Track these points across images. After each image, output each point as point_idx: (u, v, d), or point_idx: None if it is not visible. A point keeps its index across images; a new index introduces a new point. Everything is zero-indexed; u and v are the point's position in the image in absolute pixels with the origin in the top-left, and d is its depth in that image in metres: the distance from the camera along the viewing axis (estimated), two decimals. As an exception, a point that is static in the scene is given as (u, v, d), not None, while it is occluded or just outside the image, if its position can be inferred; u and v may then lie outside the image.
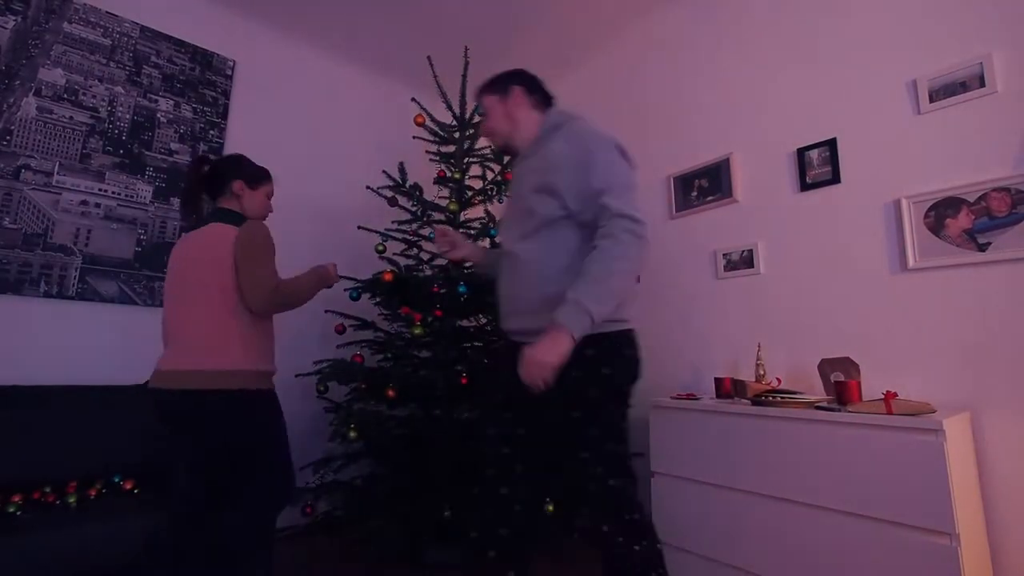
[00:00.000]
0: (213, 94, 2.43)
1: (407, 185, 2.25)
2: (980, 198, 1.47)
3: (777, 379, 1.80)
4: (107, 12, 2.17)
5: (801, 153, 1.89)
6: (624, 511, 1.12)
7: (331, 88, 2.90)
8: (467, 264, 2.25)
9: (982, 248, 1.45)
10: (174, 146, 2.29)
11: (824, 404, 1.44)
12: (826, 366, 1.62)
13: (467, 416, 1.96)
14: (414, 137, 2.42)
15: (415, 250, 2.35)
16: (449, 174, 2.27)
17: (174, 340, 1.32)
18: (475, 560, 2.00)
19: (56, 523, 1.35)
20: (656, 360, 2.31)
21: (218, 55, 2.46)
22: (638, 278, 1.21)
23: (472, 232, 2.32)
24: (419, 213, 2.27)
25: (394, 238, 2.31)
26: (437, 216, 2.33)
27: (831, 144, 1.81)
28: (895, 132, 1.67)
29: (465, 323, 2.25)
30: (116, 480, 1.68)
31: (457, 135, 2.36)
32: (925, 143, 1.60)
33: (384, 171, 2.37)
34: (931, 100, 1.59)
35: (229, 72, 2.49)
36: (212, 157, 1.47)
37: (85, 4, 2.12)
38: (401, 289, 2.05)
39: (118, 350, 2.06)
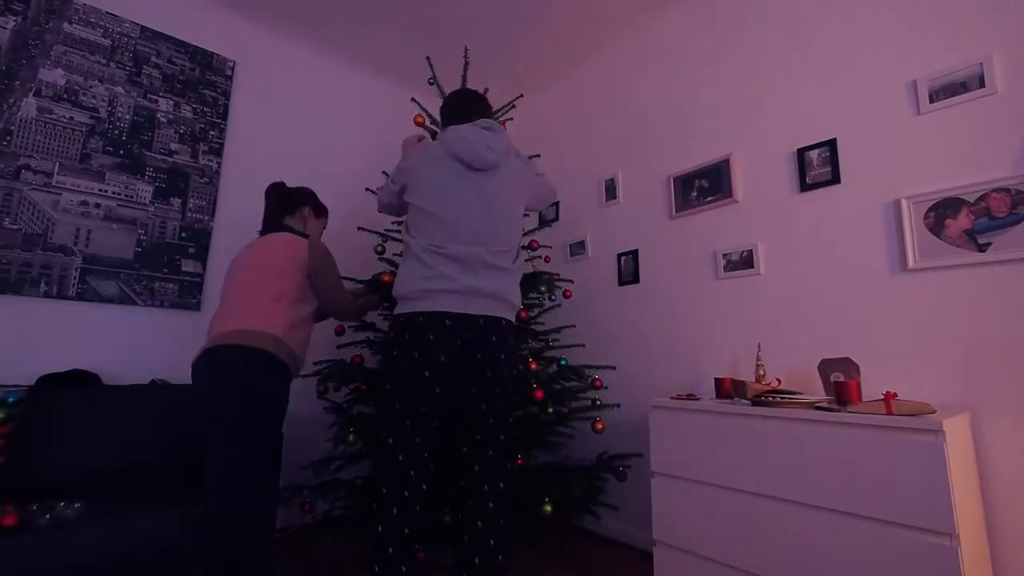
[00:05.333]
0: (213, 94, 2.43)
1: (407, 185, 2.25)
2: (980, 198, 1.47)
3: (777, 379, 1.80)
4: (107, 12, 2.17)
5: (801, 153, 1.89)
6: None
7: (331, 88, 2.91)
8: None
9: (982, 248, 1.45)
10: (174, 146, 2.29)
11: (824, 404, 1.45)
12: (826, 366, 1.62)
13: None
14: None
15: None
16: (449, 174, 2.27)
17: (229, 313, 1.44)
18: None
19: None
20: (656, 361, 2.31)
21: (218, 55, 2.47)
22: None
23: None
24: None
25: (394, 239, 2.31)
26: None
27: (831, 144, 1.81)
28: (895, 132, 1.67)
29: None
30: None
31: (457, 135, 2.36)
32: (925, 143, 1.60)
33: (384, 172, 2.37)
34: (931, 100, 1.59)
35: (229, 72, 2.49)
36: (286, 185, 1.75)
37: (85, 4, 2.12)
38: (401, 289, 2.05)
39: (118, 350, 2.06)
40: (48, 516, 1.30)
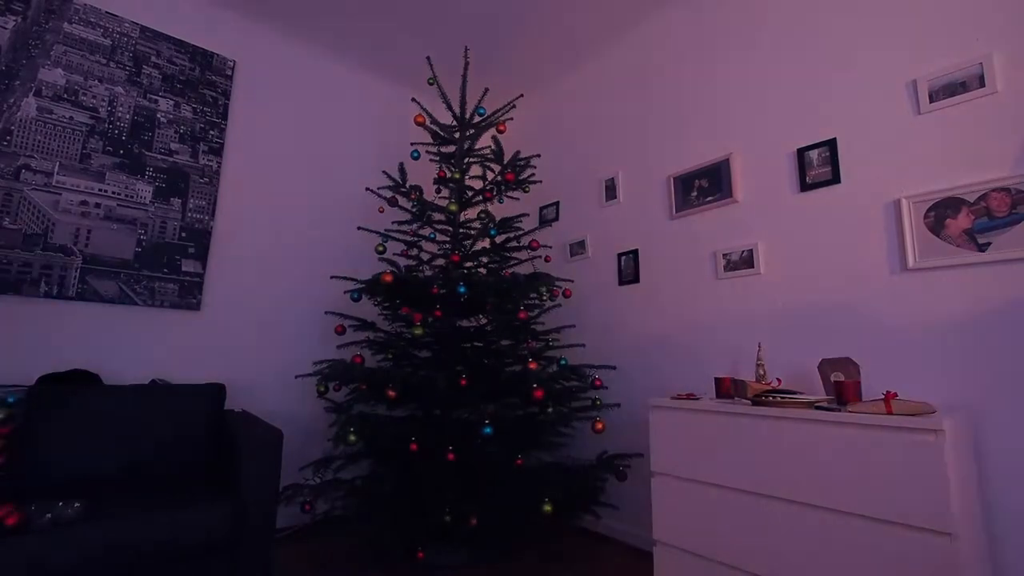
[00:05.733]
0: (213, 94, 2.43)
1: (407, 185, 2.25)
2: (980, 198, 1.47)
3: (777, 379, 1.80)
4: (107, 12, 2.17)
5: (801, 153, 1.89)
6: None
7: (331, 88, 2.91)
8: (466, 266, 2.25)
9: (982, 248, 1.45)
10: (174, 146, 2.29)
11: (824, 404, 1.44)
12: (826, 366, 1.62)
13: (467, 416, 1.96)
14: (412, 143, 2.42)
15: (415, 250, 2.36)
16: (449, 174, 2.27)
17: None
18: (475, 560, 2.00)
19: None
20: (656, 360, 2.31)
21: (218, 55, 2.47)
22: None
23: (472, 232, 2.32)
24: (419, 213, 2.27)
25: (394, 238, 2.32)
26: (437, 216, 2.33)
27: (831, 144, 1.81)
28: (895, 132, 1.67)
29: (465, 323, 2.25)
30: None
31: (457, 135, 2.36)
32: (925, 143, 1.60)
33: (384, 171, 2.37)
34: (931, 100, 1.59)
35: (229, 72, 2.49)
36: None
37: (85, 4, 2.12)
38: (401, 290, 2.05)
39: (118, 350, 2.06)
40: (48, 516, 1.30)
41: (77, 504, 1.34)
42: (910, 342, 1.57)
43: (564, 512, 1.96)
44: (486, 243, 2.39)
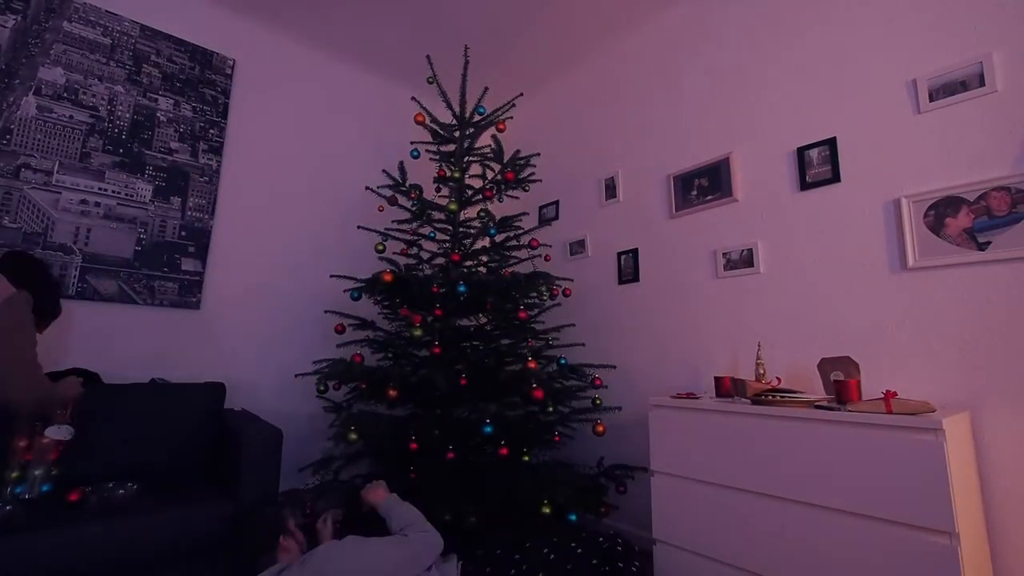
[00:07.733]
0: (213, 93, 2.43)
1: (407, 184, 2.25)
2: (980, 197, 1.47)
3: (777, 378, 1.80)
4: (107, 11, 2.17)
5: (801, 152, 1.89)
6: None
7: (331, 88, 2.90)
8: (466, 265, 2.26)
9: (982, 247, 1.45)
10: (174, 145, 2.28)
11: (824, 404, 1.44)
12: (826, 365, 1.62)
13: (467, 416, 1.96)
14: (412, 142, 2.42)
15: (415, 249, 2.35)
16: (449, 173, 2.27)
17: None
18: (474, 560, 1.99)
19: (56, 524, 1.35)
20: (656, 360, 2.31)
21: (218, 54, 2.46)
22: None
23: (472, 231, 2.32)
24: (419, 212, 2.27)
25: (394, 237, 2.31)
26: (437, 215, 2.32)
27: (831, 143, 1.81)
28: (895, 131, 1.67)
29: (465, 323, 2.25)
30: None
31: (457, 134, 2.36)
32: (925, 143, 1.60)
33: (384, 170, 2.37)
34: (931, 99, 1.59)
35: (229, 71, 2.49)
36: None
37: (85, 3, 2.12)
38: (401, 289, 2.05)
39: (118, 350, 2.06)
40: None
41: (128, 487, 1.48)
42: (910, 341, 1.57)
43: (563, 511, 1.96)
44: (486, 242, 2.39)
